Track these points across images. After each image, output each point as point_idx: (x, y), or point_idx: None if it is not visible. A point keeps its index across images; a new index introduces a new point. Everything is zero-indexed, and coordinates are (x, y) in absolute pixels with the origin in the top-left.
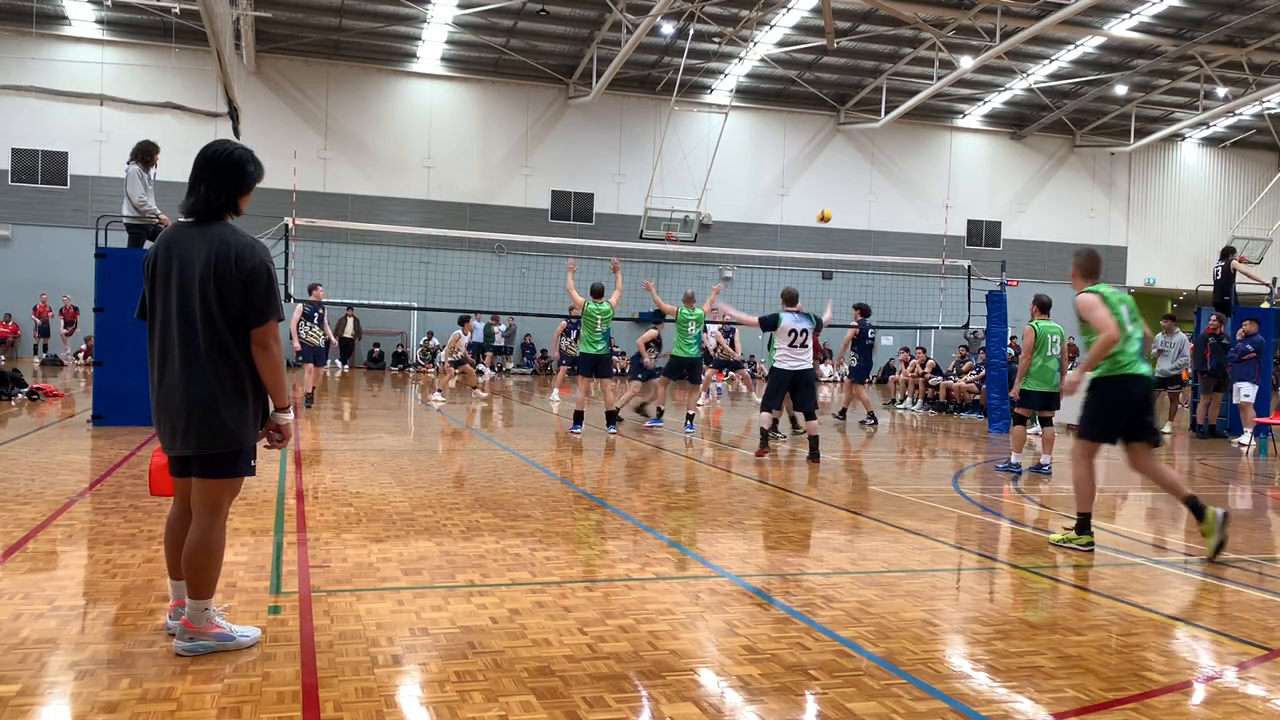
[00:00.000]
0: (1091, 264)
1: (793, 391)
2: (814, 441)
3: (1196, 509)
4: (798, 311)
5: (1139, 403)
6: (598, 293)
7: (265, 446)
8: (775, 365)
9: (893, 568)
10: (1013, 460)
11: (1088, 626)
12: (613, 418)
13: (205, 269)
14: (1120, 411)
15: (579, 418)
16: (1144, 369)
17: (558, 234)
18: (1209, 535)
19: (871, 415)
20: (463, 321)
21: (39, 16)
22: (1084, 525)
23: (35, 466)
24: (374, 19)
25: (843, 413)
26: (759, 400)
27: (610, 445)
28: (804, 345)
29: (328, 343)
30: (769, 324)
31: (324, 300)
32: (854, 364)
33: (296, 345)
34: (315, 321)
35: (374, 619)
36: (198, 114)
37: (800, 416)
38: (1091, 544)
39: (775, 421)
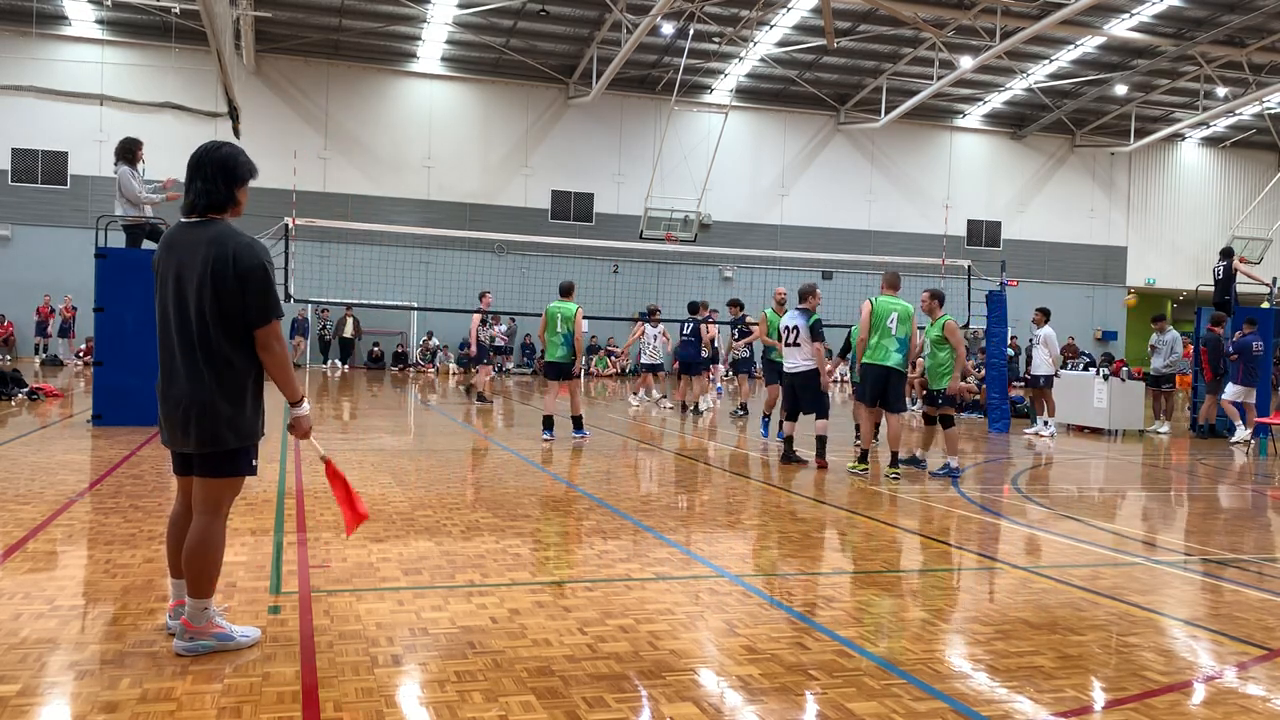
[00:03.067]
0: (892, 279)
1: (793, 393)
2: (819, 441)
3: (864, 456)
4: (795, 309)
5: (881, 380)
6: (564, 291)
7: (293, 436)
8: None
9: (892, 568)
10: (953, 464)
11: (1088, 626)
12: (578, 423)
13: (204, 269)
14: (869, 384)
15: (546, 423)
16: (890, 360)
17: (558, 234)
18: (857, 467)
19: (743, 406)
20: (652, 313)
21: (39, 16)
22: (863, 457)
23: (35, 466)
24: (374, 19)
25: (743, 407)
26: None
27: (610, 446)
28: (794, 344)
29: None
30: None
31: (493, 308)
32: (744, 356)
33: (474, 348)
34: (487, 325)
35: (374, 619)
36: (198, 114)
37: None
38: (866, 469)
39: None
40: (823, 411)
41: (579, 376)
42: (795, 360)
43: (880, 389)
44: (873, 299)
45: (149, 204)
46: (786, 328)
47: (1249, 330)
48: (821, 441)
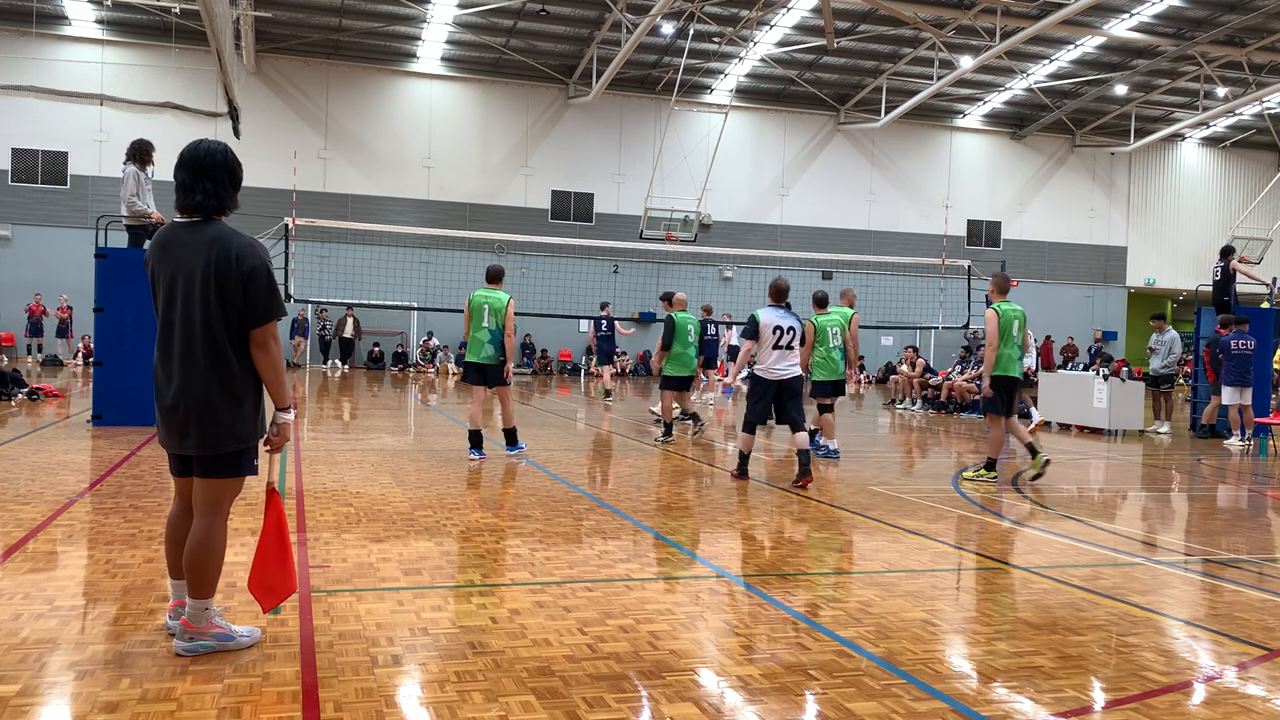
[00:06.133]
0: (1003, 283)
1: (777, 403)
2: (804, 456)
3: (1033, 450)
4: (783, 307)
5: (1012, 390)
6: (492, 277)
7: (265, 450)
8: (754, 372)
9: (893, 568)
10: (831, 446)
11: (1088, 626)
12: (512, 437)
13: (206, 270)
14: (1003, 396)
15: (474, 439)
16: (1015, 370)
17: (558, 234)
18: (1035, 467)
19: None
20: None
21: (39, 16)
22: (991, 465)
23: (35, 466)
24: (374, 19)
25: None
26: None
27: (610, 446)
28: (789, 347)
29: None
30: (750, 333)
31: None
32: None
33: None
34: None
35: (374, 619)
36: (198, 114)
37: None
38: (996, 476)
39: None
40: (802, 423)
41: (509, 383)
42: (786, 365)
43: (1011, 399)
44: (996, 307)
45: (138, 209)
46: (779, 328)
47: (1234, 329)
48: (805, 455)
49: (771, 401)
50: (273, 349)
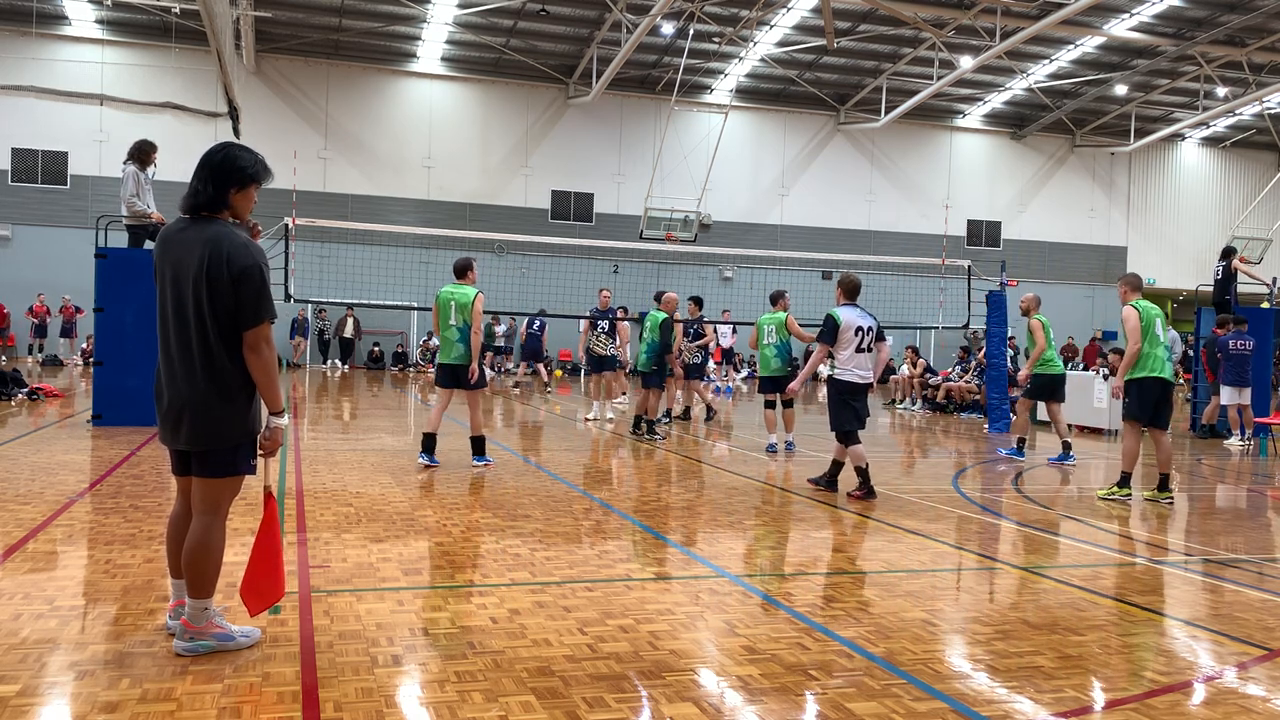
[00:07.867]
0: (1135, 280)
1: (853, 409)
2: (864, 473)
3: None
4: (860, 307)
5: (1159, 395)
6: (459, 271)
7: (259, 453)
8: (837, 377)
9: (893, 568)
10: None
11: (1088, 626)
12: (479, 446)
13: (199, 268)
14: (1144, 400)
15: (427, 443)
16: (1165, 372)
17: (558, 234)
18: (1158, 495)
19: (709, 409)
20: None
21: (39, 16)
22: (1125, 481)
23: (35, 466)
24: (374, 19)
25: (686, 411)
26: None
27: (610, 447)
28: (870, 350)
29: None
30: (828, 335)
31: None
32: (696, 360)
33: (582, 356)
34: (604, 331)
35: (374, 619)
36: (198, 114)
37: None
38: (1130, 495)
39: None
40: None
41: (482, 385)
42: (867, 370)
43: (1157, 405)
44: (1135, 305)
45: (137, 209)
46: (860, 328)
47: (1232, 329)
48: (865, 472)
49: (864, 404)
50: (264, 352)
